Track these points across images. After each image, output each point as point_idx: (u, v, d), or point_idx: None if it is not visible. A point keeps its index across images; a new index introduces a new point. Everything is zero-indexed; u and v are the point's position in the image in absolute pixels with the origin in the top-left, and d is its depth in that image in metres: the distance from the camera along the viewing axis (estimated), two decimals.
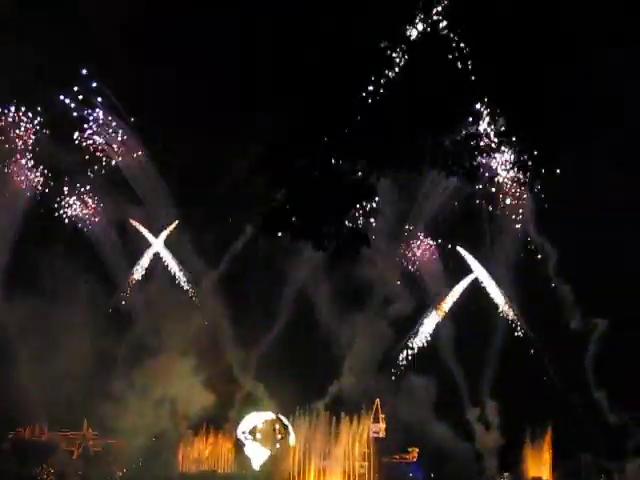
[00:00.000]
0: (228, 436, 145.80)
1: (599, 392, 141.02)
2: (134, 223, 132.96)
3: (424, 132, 15.26)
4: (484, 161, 16.51)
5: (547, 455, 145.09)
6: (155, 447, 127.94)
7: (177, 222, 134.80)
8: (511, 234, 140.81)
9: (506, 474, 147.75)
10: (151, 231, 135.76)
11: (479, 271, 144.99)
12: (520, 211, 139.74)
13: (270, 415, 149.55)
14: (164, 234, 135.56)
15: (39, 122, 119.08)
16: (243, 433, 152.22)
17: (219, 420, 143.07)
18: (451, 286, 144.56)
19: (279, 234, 15.46)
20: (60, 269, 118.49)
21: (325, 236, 15.65)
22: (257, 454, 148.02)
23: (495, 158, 17.39)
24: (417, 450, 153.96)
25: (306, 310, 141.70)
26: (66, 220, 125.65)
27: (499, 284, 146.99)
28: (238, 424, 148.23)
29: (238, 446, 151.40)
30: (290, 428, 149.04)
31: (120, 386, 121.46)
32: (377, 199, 16.11)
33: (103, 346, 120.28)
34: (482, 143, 15.85)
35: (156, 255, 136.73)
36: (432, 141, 15.63)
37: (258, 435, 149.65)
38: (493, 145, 16.12)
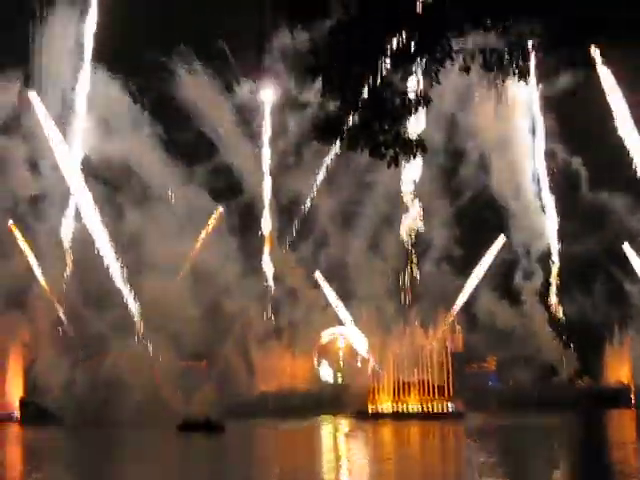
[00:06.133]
0: (299, 351, 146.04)
1: None
2: None
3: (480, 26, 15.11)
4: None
5: (627, 357, 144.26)
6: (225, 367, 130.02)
7: None
8: None
9: (585, 377, 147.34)
10: None
11: None
12: None
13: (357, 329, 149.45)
14: None
15: None
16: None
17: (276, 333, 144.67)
18: None
19: (335, 141, 15.58)
20: None
21: (382, 144, 15.77)
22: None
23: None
24: (495, 359, 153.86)
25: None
26: None
27: None
28: (313, 339, 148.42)
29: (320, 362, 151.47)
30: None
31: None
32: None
33: None
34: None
35: None
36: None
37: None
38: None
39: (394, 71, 15.42)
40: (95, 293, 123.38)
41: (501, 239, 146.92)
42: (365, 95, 15.27)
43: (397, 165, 15.71)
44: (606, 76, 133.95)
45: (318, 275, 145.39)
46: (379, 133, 15.64)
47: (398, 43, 14.80)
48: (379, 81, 15.09)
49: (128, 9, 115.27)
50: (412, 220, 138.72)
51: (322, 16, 15.32)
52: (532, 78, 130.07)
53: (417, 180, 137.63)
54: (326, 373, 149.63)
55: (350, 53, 15.04)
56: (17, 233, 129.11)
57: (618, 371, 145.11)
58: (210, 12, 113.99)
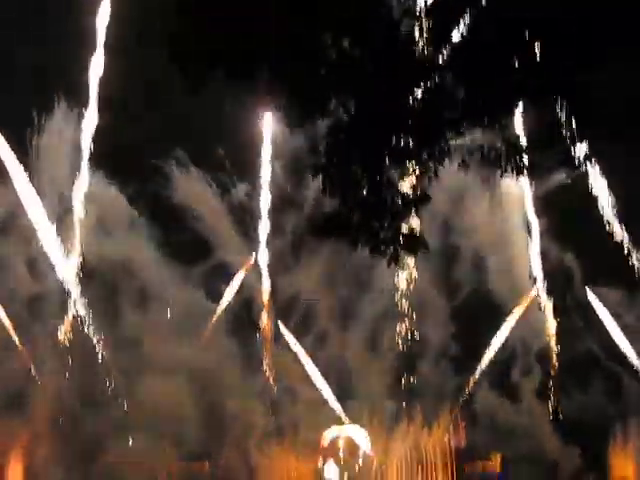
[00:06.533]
0: (301, 450, 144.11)
1: None
2: None
3: (477, 125, 15.40)
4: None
5: (631, 451, 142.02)
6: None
7: None
8: None
9: (589, 474, 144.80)
10: None
11: None
12: None
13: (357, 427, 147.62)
14: None
15: None
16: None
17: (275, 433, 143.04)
18: None
19: (333, 239, 15.78)
20: None
21: (383, 242, 15.93)
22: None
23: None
24: (500, 456, 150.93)
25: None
26: None
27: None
28: (323, 438, 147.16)
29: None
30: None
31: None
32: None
33: None
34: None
35: None
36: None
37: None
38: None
39: (393, 169, 15.63)
40: (93, 394, 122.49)
41: (528, 297, 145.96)
42: (365, 193, 15.46)
43: (397, 263, 15.84)
44: (596, 174, 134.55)
45: (314, 373, 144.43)
46: (379, 231, 15.81)
47: (397, 142, 15.03)
48: (379, 180, 15.31)
49: (126, 114, 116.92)
50: (407, 323, 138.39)
51: (321, 115, 15.58)
52: (526, 174, 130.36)
53: (412, 280, 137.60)
54: (330, 472, 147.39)
55: (350, 153, 15.26)
56: (15, 334, 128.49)
57: (622, 468, 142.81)
58: (207, 114, 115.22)
